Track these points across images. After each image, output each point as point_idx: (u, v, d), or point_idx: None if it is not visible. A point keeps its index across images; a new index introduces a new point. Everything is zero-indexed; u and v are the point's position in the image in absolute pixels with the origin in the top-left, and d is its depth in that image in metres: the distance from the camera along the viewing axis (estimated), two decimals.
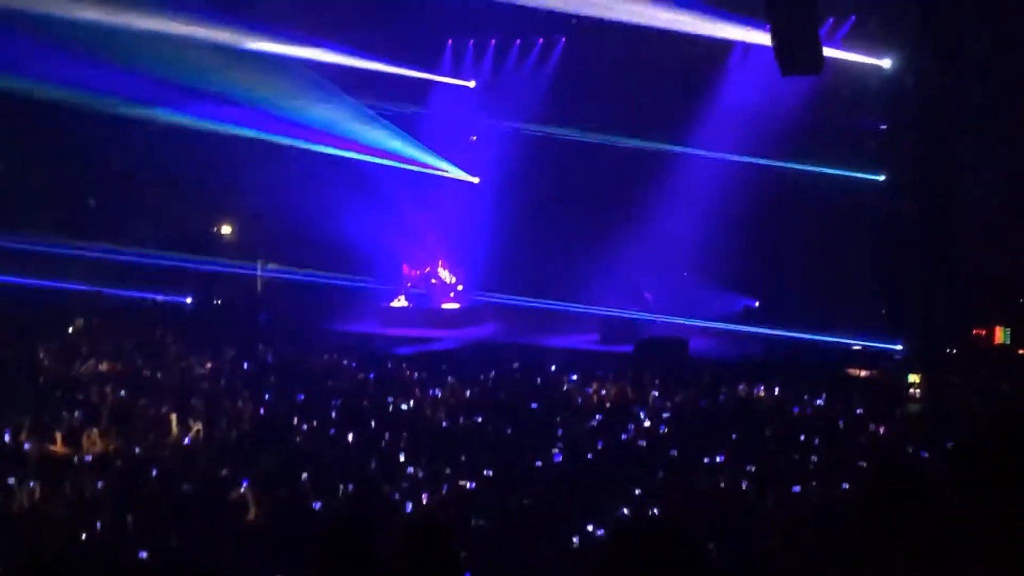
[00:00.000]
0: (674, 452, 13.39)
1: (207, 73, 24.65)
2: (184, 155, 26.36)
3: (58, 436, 13.99)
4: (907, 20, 24.25)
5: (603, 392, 18.36)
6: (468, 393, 18.16)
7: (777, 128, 24.88)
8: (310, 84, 26.71)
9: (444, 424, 15.65)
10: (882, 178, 25.11)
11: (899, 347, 22.28)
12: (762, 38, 22.36)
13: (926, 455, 13.06)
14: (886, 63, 24.64)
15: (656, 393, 18.01)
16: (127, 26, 22.83)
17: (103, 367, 20.65)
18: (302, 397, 17.44)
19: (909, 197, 24.62)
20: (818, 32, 12.33)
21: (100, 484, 11.78)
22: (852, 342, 22.71)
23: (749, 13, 22.79)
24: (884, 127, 25.30)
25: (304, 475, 11.99)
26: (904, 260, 24.37)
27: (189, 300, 28.55)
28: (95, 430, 14.33)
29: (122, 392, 17.49)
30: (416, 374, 20.27)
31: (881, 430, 15.05)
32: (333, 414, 16.10)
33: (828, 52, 14.71)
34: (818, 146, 24.94)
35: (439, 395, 17.91)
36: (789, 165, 25.21)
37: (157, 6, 23.18)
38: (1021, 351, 22.31)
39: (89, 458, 13.27)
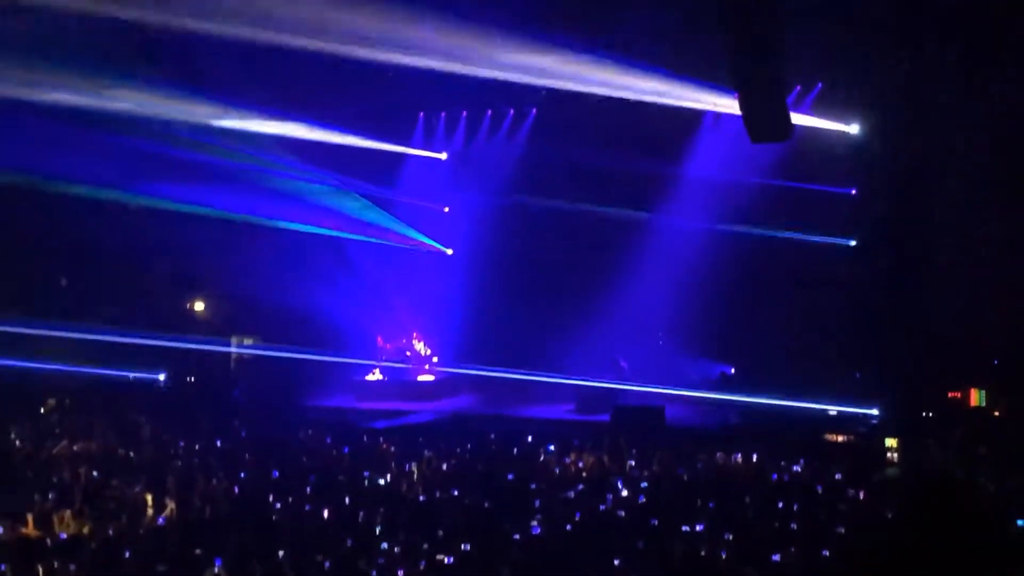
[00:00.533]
0: (654, 522, 13.29)
1: (179, 151, 24.70)
2: (156, 233, 26.37)
3: (29, 518, 13.81)
4: (874, 86, 24.51)
5: (580, 462, 18.27)
6: (445, 466, 18.05)
7: (748, 194, 25.10)
8: (283, 160, 26.78)
9: (421, 498, 15.52)
10: (853, 243, 25.28)
11: (875, 411, 22.26)
12: (733, 105, 22.71)
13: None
14: (854, 128, 24.89)
15: (633, 462, 17.94)
16: (97, 106, 22.89)
17: (76, 447, 20.47)
18: (277, 474, 17.29)
19: (880, 261, 24.77)
20: (786, 100, 12.43)
21: (73, 567, 11.61)
22: (828, 407, 22.69)
23: (719, 81, 23.03)
24: (854, 192, 25.47)
25: (280, 553, 11.86)
26: (878, 324, 24.48)
27: (163, 378, 28.38)
28: (68, 511, 14.16)
29: (95, 472, 17.32)
30: (392, 447, 20.15)
31: (860, 495, 15.00)
32: (309, 490, 15.96)
33: (796, 119, 14.85)
34: (789, 212, 25.12)
35: (415, 468, 17.78)
36: (761, 231, 25.34)
37: (128, 85, 23.25)
38: (997, 413, 22.33)
39: (63, 537, 13.12)
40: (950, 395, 22.85)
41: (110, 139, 23.68)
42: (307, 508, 14.56)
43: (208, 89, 24.73)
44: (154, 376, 28.28)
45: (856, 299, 25.03)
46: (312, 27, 20.85)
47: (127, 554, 12.20)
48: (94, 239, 26.89)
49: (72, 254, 28.39)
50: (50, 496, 15.12)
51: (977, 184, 23.04)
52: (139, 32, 21.48)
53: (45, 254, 28.33)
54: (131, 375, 27.68)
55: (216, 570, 11.16)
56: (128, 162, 24.54)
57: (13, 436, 21.20)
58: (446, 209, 31.47)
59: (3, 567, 11.29)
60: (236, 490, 16.19)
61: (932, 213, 24.10)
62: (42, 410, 25.38)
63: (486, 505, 14.67)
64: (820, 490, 15.40)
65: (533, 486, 15.99)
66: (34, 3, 19.57)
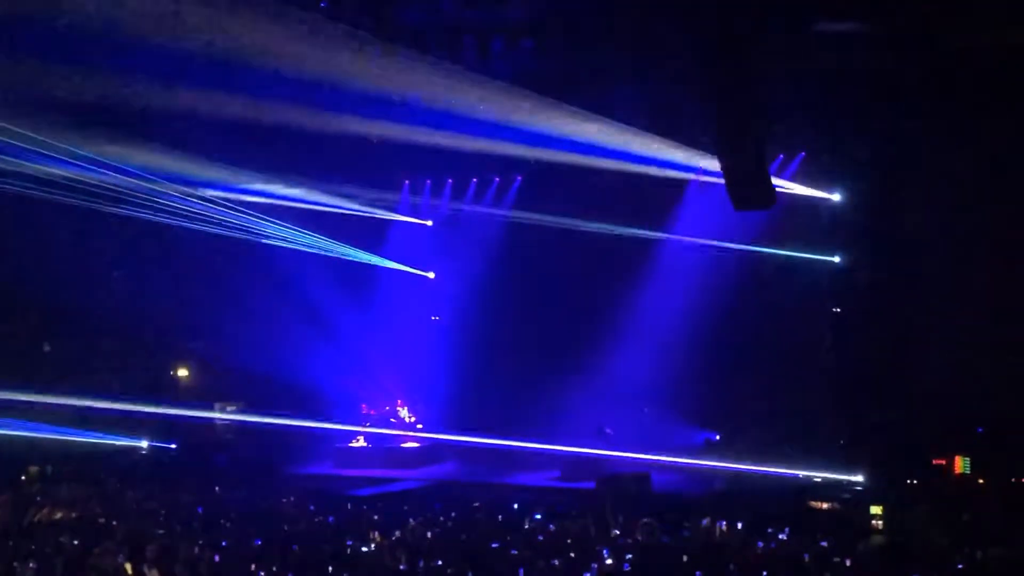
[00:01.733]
0: None
1: (161, 212, 24.77)
2: (139, 299, 26.38)
3: None
4: (857, 154, 24.72)
5: (565, 530, 18.18)
6: (429, 534, 17.95)
7: (732, 262, 25.24)
8: (268, 226, 26.87)
9: (404, 567, 15.42)
10: (837, 310, 25.37)
11: (860, 478, 22.24)
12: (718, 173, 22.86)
13: None
14: (836, 196, 25.07)
15: (618, 531, 17.87)
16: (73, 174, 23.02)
17: (57, 515, 20.33)
18: (259, 542, 17.18)
19: (864, 328, 24.86)
20: (768, 170, 12.56)
21: None
22: (813, 474, 22.66)
23: (704, 148, 23.23)
24: (837, 260, 25.59)
25: None
26: (862, 391, 24.52)
27: (145, 444, 28.23)
28: None
29: (76, 541, 17.18)
30: (376, 516, 20.04)
31: (847, 563, 14.95)
32: (291, 559, 15.84)
33: (779, 186, 15.00)
34: (773, 280, 25.24)
35: (399, 537, 17.68)
36: (745, 299, 25.44)
37: (104, 148, 23.33)
38: (981, 480, 22.32)
39: None
40: (935, 462, 22.83)
41: (89, 206, 23.68)
42: None
43: (192, 157, 24.83)
44: (136, 443, 28.13)
45: (840, 367, 25.10)
46: (297, 96, 21.01)
47: None
48: (76, 305, 26.85)
49: (54, 320, 28.34)
50: (30, 566, 14.97)
51: (962, 250, 23.20)
52: (119, 101, 21.58)
53: (26, 319, 28.27)
54: (115, 442, 27.54)
55: None
56: (109, 228, 24.56)
57: None
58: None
59: None
60: (217, 559, 16.07)
61: (917, 280, 24.23)
62: (23, 478, 25.22)
63: (470, 574, 14.58)
64: (806, 558, 15.35)
65: (517, 554, 15.91)
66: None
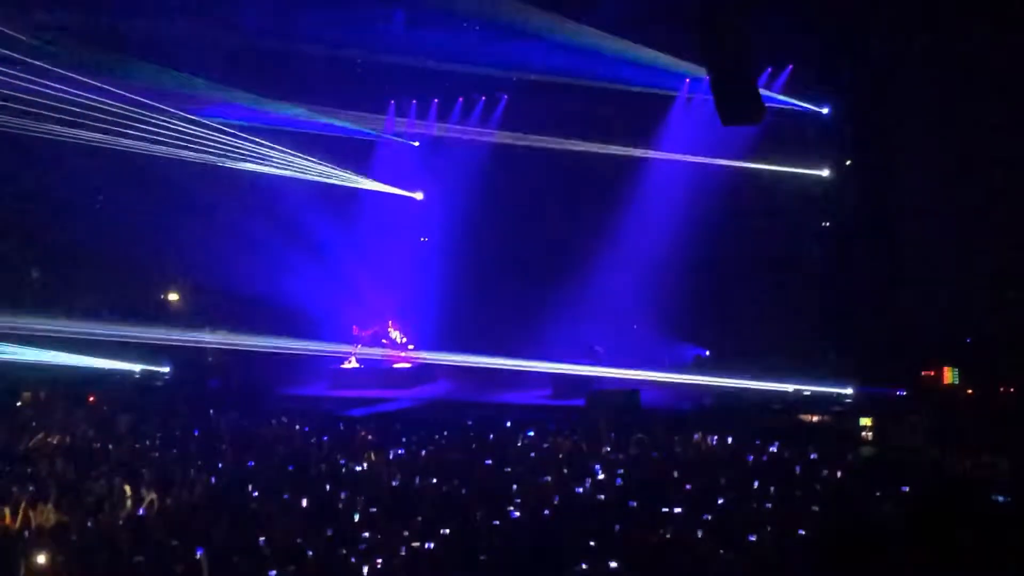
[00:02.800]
0: (631, 504, 13.35)
1: (153, 140, 24.63)
2: (128, 224, 26.27)
3: (7, 511, 13.78)
4: (845, 66, 24.62)
5: (557, 446, 18.32)
6: (423, 453, 18.07)
7: (720, 177, 25.16)
8: (254, 148, 26.71)
9: (399, 485, 15.54)
10: (825, 224, 25.38)
11: (849, 391, 22.38)
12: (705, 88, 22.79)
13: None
14: (825, 110, 25.00)
15: (609, 448, 18.01)
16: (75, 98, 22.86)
17: (53, 439, 20.42)
18: (252, 464, 17.29)
19: (852, 242, 24.89)
20: (756, 83, 12.49)
21: (54, 558, 11.56)
22: (803, 388, 22.79)
23: (693, 61, 23.13)
24: (825, 173, 25.56)
25: (262, 541, 11.88)
26: (851, 304, 24.61)
27: (138, 369, 28.28)
28: (46, 504, 14.12)
29: (72, 465, 17.28)
30: (369, 435, 20.16)
31: (839, 474, 15.10)
32: (287, 479, 15.95)
33: (768, 101, 14.92)
34: (762, 193, 25.18)
35: (393, 456, 17.81)
36: (733, 215, 25.40)
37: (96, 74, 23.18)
38: (970, 391, 22.47)
39: (43, 529, 13.10)
40: (923, 374, 22.97)
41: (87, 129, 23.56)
42: (285, 497, 14.56)
43: (178, 79, 24.67)
44: (130, 368, 28.18)
45: (829, 279, 25.16)
46: (284, 18, 20.90)
47: (107, 545, 12.18)
48: (66, 230, 26.77)
49: (45, 246, 28.27)
50: (27, 488, 15.07)
51: (950, 164, 23.17)
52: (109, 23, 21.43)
53: (16, 246, 28.19)
54: (107, 367, 27.59)
55: (198, 559, 11.15)
56: (102, 154, 24.42)
57: None
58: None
59: None
60: (214, 480, 16.18)
61: (904, 193, 24.22)
62: (18, 403, 25.30)
63: (464, 491, 14.70)
64: (797, 470, 15.50)
65: (510, 471, 16.04)
66: None
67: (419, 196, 31.48)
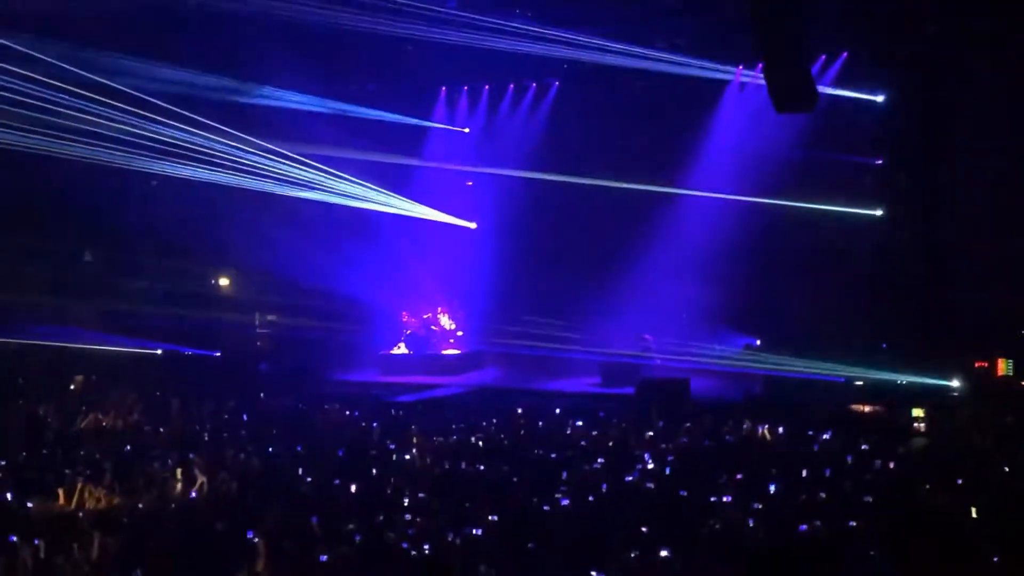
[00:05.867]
0: (681, 493, 13.31)
1: (204, 127, 24.73)
2: (181, 209, 26.45)
3: (61, 493, 13.93)
4: (900, 54, 24.36)
5: (607, 434, 18.28)
6: (472, 439, 18.09)
7: (773, 166, 24.96)
8: (307, 135, 26.78)
9: (448, 471, 15.57)
10: (880, 213, 25.14)
11: (902, 381, 22.17)
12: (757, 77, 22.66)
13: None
14: (880, 98, 24.75)
15: (658, 436, 17.94)
16: (121, 84, 23.01)
17: (104, 423, 20.61)
18: (301, 448, 17.36)
19: (908, 231, 24.67)
20: (810, 70, 12.38)
21: (106, 540, 11.67)
22: (855, 378, 22.61)
23: (744, 52, 23.02)
24: (880, 162, 25.34)
25: (312, 524, 11.93)
26: (904, 294, 24.39)
27: (189, 353, 28.50)
28: (99, 487, 14.26)
29: (126, 447, 17.44)
30: (419, 421, 20.19)
31: (891, 465, 14.97)
32: (337, 464, 16.02)
33: (822, 89, 14.80)
34: (815, 183, 24.95)
35: (442, 442, 17.83)
36: (787, 203, 25.22)
37: (148, 60, 23.34)
38: None
39: (96, 511, 13.24)
40: (977, 365, 22.73)
41: (136, 113, 23.67)
42: (336, 482, 14.62)
43: (230, 66, 24.81)
44: (182, 352, 28.41)
45: (883, 269, 24.94)
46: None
47: (159, 527, 12.29)
48: (120, 214, 26.98)
49: (98, 230, 28.51)
50: (80, 471, 15.21)
51: (1006, 153, 22.91)
52: (162, 9, 21.57)
53: (70, 230, 28.46)
54: (159, 351, 27.82)
55: (253, 538, 11.22)
56: (153, 139, 24.56)
57: (42, 412, 21.33)
58: (469, 183, 31.45)
59: (37, 542, 11.37)
60: (265, 464, 16.28)
61: (960, 182, 23.96)
62: (71, 387, 25.55)
63: (513, 478, 14.70)
64: (848, 460, 15.39)
65: (560, 458, 16.03)
66: None
67: (469, 183, 31.46)
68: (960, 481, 13.38)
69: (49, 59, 21.88)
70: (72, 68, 22.27)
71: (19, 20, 20.92)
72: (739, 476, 14.14)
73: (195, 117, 24.28)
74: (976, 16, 22.30)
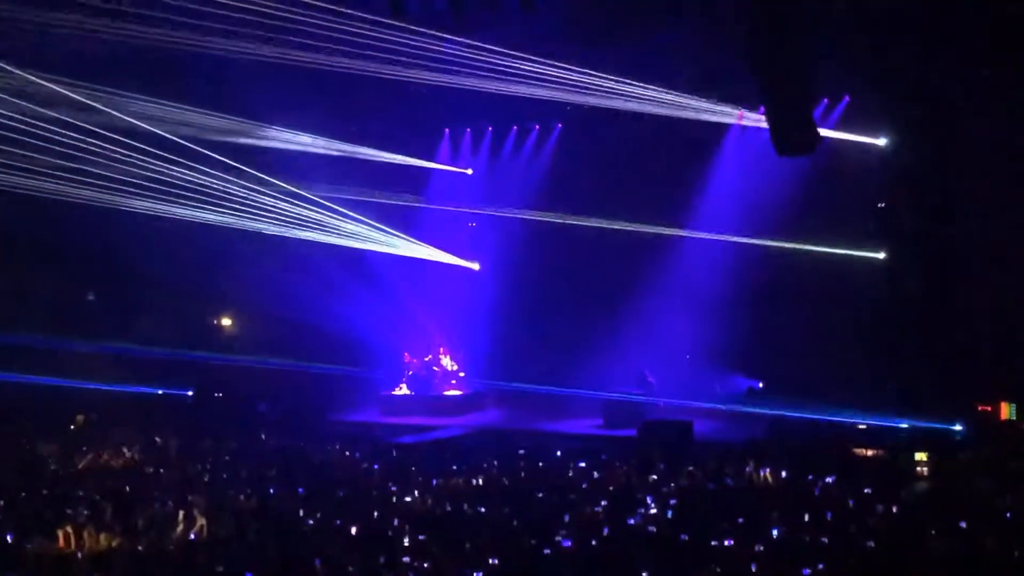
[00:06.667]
0: (683, 537, 13.25)
1: (206, 168, 24.79)
2: (181, 249, 26.49)
3: (60, 534, 13.88)
4: (902, 98, 24.42)
5: (608, 476, 18.23)
6: (473, 481, 18.04)
7: (775, 208, 25.00)
8: (310, 175, 26.86)
9: (449, 512, 15.52)
10: (882, 256, 25.14)
11: (904, 425, 22.13)
12: (758, 120, 22.73)
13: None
14: (882, 141, 24.80)
15: (660, 479, 17.88)
16: (122, 122, 23.08)
17: (104, 462, 20.58)
18: (302, 490, 17.31)
19: (909, 274, 24.64)
20: (812, 113, 12.43)
21: None
22: (857, 421, 22.56)
23: (744, 95, 23.11)
24: (882, 205, 25.36)
25: (314, 565, 11.89)
26: (907, 337, 24.35)
27: (190, 393, 28.49)
28: (99, 528, 14.21)
29: (125, 487, 17.40)
30: (419, 463, 20.14)
31: (894, 509, 14.91)
32: (337, 506, 15.97)
33: (824, 132, 14.83)
34: (816, 226, 24.98)
35: (443, 483, 17.79)
36: (789, 245, 25.25)
37: (152, 102, 23.46)
38: None
39: (94, 552, 13.19)
40: (980, 408, 22.68)
41: (139, 153, 23.73)
42: (336, 523, 14.57)
43: (233, 107, 24.90)
44: (181, 391, 28.40)
45: (885, 312, 24.91)
46: (337, 45, 21.05)
47: (158, 569, 12.24)
48: (120, 255, 27.01)
49: (98, 271, 28.57)
50: (80, 511, 15.16)
51: (1008, 196, 22.94)
52: (164, 51, 21.67)
53: (71, 270, 28.51)
54: (159, 391, 27.82)
55: None
56: (156, 179, 24.63)
57: (42, 451, 21.31)
58: (472, 224, 31.53)
59: None
60: (264, 505, 16.23)
61: (962, 225, 23.96)
62: (71, 426, 25.53)
63: (515, 520, 14.65)
64: (851, 504, 15.33)
65: (561, 500, 15.98)
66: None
67: (472, 224, 31.54)
68: (963, 526, 13.31)
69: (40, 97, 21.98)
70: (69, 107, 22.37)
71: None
72: (740, 519, 14.08)
73: (197, 157, 24.31)
74: (979, 60, 22.36)
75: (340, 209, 27.27)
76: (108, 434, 23.43)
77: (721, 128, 26.25)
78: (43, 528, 14.10)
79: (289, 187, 26.34)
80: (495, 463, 19.76)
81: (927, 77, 23.58)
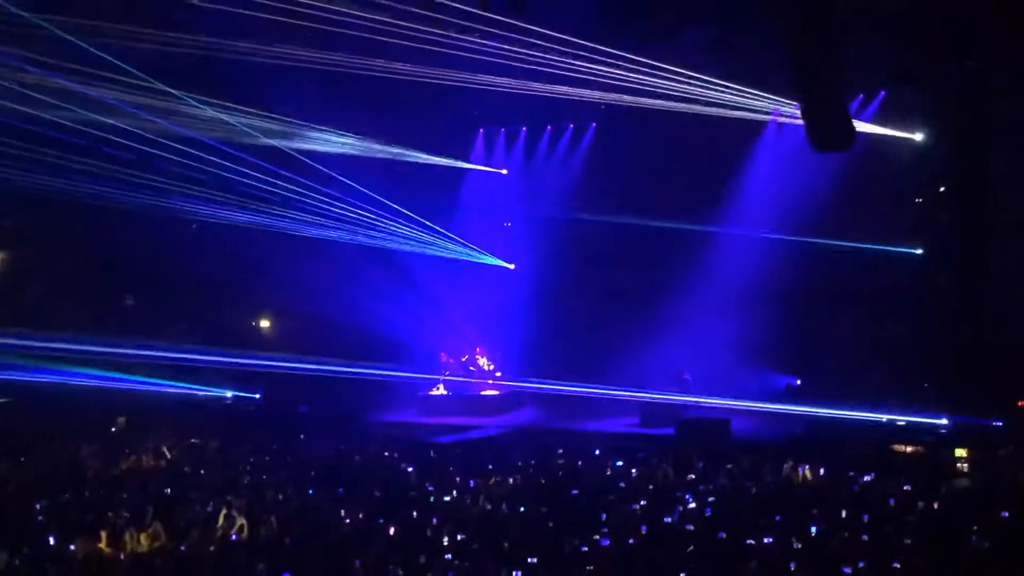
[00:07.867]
0: (721, 535, 13.23)
1: (246, 171, 24.91)
2: (222, 252, 26.61)
3: (103, 535, 13.97)
4: (937, 93, 24.28)
5: (646, 475, 18.20)
6: (511, 480, 18.05)
7: (812, 205, 24.88)
8: (346, 177, 26.91)
9: (487, 512, 15.54)
10: (919, 251, 25.00)
11: (944, 421, 21.99)
12: (794, 116, 22.63)
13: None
14: (918, 136, 24.65)
15: (697, 476, 17.85)
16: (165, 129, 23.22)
17: (146, 464, 20.70)
18: (341, 490, 17.36)
19: (948, 269, 24.50)
20: (848, 108, 12.37)
21: None
22: (896, 418, 22.45)
23: (780, 91, 23.01)
24: (919, 200, 25.22)
25: (354, 565, 11.93)
26: (946, 333, 24.21)
27: (230, 395, 28.64)
28: (141, 530, 14.30)
29: (167, 489, 17.50)
30: (457, 463, 20.17)
31: (935, 505, 14.82)
32: (376, 505, 16.01)
33: (860, 127, 14.77)
34: (853, 221, 24.85)
35: (481, 483, 17.80)
36: (826, 241, 25.14)
37: (192, 105, 23.57)
38: None
39: (136, 553, 13.28)
40: (1020, 404, 22.53)
41: (176, 161, 23.88)
42: (376, 523, 14.61)
43: (271, 110, 24.99)
44: (221, 393, 28.57)
45: (924, 308, 24.78)
46: (372, 47, 21.11)
47: (200, 570, 12.31)
48: (161, 258, 27.16)
49: (140, 273, 28.74)
50: (122, 513, 15.26)
51: None
52: (203, 54, 21.76)
53: (113, 273, 28.73)
54: (200, 393, 27.99)
55: None
56: (197, 182, 24.79)
57: (84, 454, 21.45)
58: (507, 224, 31.57)
59: None
60: (305, 506, 16.29)
61: (1000, 219, 23.79)
62: (112, 428, 25.70)
63: (552, 519, 14.66)
64: (891, 502, 15.25)
65: (599, 499, 15.97)
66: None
67: (507, 224, 31.59)
68: (1006, 514, 13.25)
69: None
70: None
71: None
72: (778, 517, 14.05)
73: (235, 157, 24.45)
74: (1015, 53, 22.19)
75: (375, 210, 27.33)
76: (149, 436, 23.52)
77: (757, 126, 26.14)
78: (86, 530, 14.20)
79: (324, 188, 26.39)
80: (532, 462, 19.78)
81: (963, 70, 23.42)
